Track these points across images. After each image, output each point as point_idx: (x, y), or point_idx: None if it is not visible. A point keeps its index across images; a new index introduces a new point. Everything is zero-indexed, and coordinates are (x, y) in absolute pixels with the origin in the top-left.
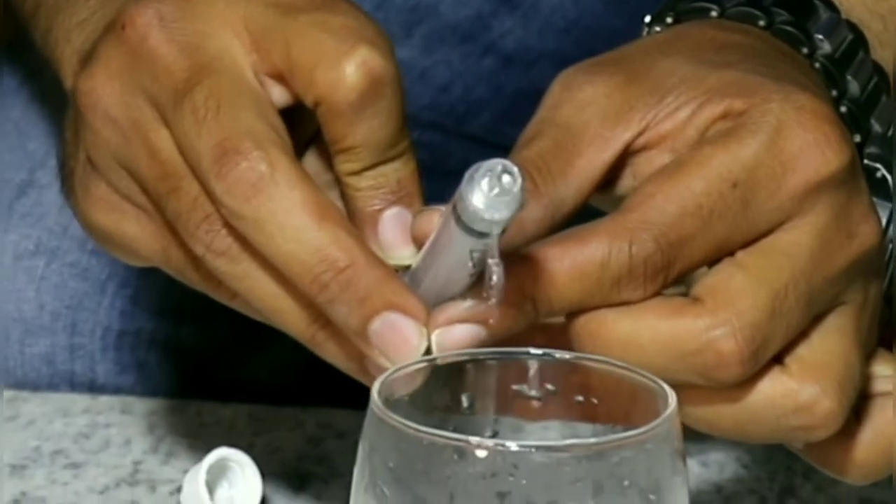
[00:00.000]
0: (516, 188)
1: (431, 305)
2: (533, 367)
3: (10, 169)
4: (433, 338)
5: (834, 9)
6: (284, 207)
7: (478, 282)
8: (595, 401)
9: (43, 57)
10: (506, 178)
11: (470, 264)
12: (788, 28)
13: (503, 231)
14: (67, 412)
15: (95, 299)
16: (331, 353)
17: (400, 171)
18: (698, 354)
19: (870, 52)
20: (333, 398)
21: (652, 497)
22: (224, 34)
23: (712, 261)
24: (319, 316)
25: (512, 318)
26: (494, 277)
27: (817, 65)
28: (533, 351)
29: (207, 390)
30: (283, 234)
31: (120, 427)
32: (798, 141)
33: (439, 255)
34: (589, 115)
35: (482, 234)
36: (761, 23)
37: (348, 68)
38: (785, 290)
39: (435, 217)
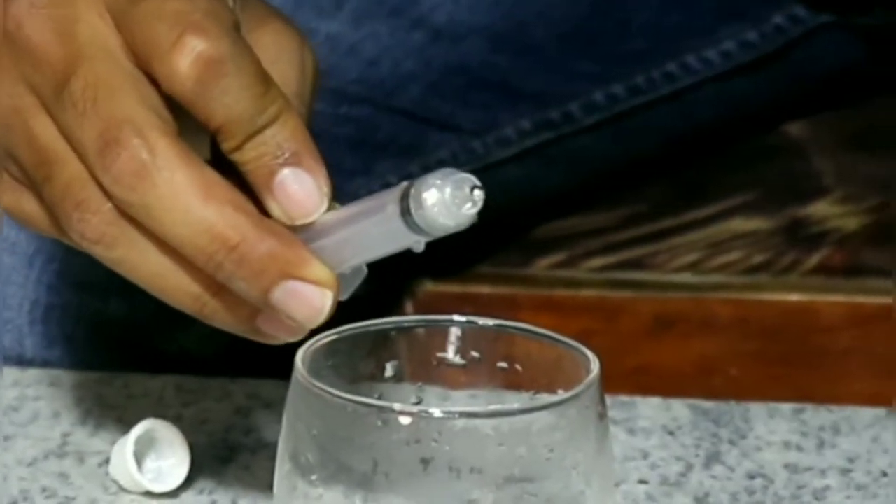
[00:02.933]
0: (476, 209)
1: (339, 258)
2: (457, 334)
3: None
4: None
5: None
6: (169, 192)
7: None
8: (519, 367)
9: None
10: (469, 194)
11: (397, 248)
12: None
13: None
14: None
15: (23, 273)
16: (221, 322)
17: (278, 135)
18: None
19: None
20: (262, 369)
21: (576, 463)
22: (91, 17)
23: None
24: (206, 289)
25: None
26: (418, 251)
27: None
28: (457, 318)
29: (136, 363)
30: (171, 218)
31: (48, 400)
32: None
33: (363, 230)
34: None
35: (421, 231)
36: None
37: (177, 60)
38: None
39: None
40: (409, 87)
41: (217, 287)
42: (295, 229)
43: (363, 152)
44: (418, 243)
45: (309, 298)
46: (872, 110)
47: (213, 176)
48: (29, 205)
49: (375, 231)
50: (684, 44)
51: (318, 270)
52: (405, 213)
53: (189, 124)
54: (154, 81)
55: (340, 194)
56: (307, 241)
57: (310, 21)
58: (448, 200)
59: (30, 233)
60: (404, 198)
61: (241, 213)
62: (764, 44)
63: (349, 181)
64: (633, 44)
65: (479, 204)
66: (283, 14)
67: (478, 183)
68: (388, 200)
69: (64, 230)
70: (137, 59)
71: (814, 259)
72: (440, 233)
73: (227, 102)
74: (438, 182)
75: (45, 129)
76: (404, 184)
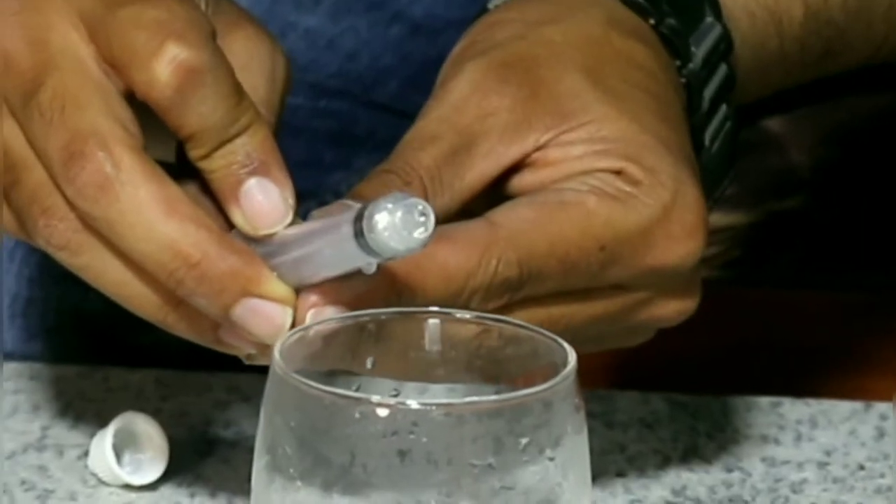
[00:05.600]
0: (427, 234)
1: (298, 274)
2: (434, 326)
3: None
4: (308, 316)
5: (718, 14)
6: (132, 206)
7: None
8: (496, 360)
9: None
10: (420, 219)
11: (350, 268)
12: (670, 36)
13: None
14: None
15: (3, 266)
16: (184, 331)
17: (248, 144)
18: None
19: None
20: (241, 363)
21: (552, 455)
22: (63, 26)
23: (551, 300)
24: (168, 300)
25: (378, 305)
26: (369, 273)
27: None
28: (434, 310)
29: (115, 356)
30: (133, 233)
31: (28, 393)
32: (671, 231)
33: (320, 249)
34: (489, 125)
35: (373, 253)
36: (651, 21)
37: (158, 68)
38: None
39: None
40: (388, 81)
41: (179, 298)
42: (254, 244)
43: (342, 146)
44: (370, 265)
45: (269, 315)
46: (851, 105)
47: (176, 192)
48: None
49: (330, 251)
50: None
51: (278, 288)
52: (358, 234)
53: (154, 128)
54: (124, 92)
55: (321, 188)
56: (265, 258)
57: (288, 15)
58: (399, 225)
59: None
60: (358, 219)
61: (203, 229)
62: None
63: (329, 175)
64: None
65: (431, 229)
66: (255, 19)
67: (429, 210)
68: (344, 221)
69: (30, 234)
70: (114, 67)
71: (792, 253)
72: (391, 256)
73: (203, 112)
74: (390, 206)
75: (12, 135)
76: (359, 205)
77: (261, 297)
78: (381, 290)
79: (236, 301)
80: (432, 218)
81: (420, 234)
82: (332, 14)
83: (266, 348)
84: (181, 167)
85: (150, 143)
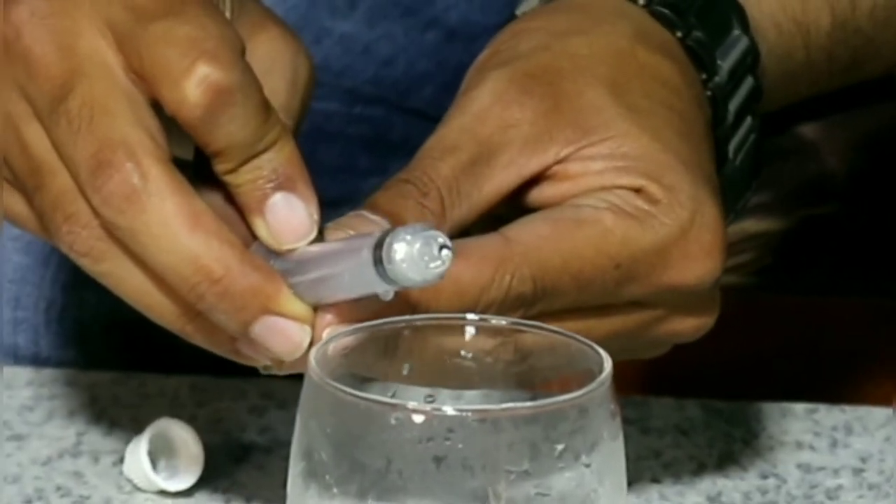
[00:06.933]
0: (444, 266)
1: (315, 294)
2: (470, 332)
3: None
4: (324, 334)
5: (746, 27)
6: (157, 219)
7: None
8: (531, 366)
9: None
10: (437, 252)
11: (368, 292)
12: (697, 49)
13: None
14: (11, 384)
15: (39, 273)
16: (202, 341)
17: (274, 160)
18: None
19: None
20: None
21: (588, 461)
22: (91, 32)
23: (567, 315)
24: (187, 311)
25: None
26: (387, 299)
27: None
28: (470, 317)
29: (150, 362)
30: (157, 245)
31: (63, 399)
32: (689, 251)
33: (339, 272)
34: (510, 137)
35: (391, 282)
36: (678, 33)
37: (188, 88)
38: None
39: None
40: (424, 87)
41: (198, 310)
42: (274, 260)
43: (378, 152)
44: (387, 293)
45: (288, 333)
46: (885, 111)
47: (201, 206)
48: (19, 206)
49: (349, 275)
50: None
51: (297, 306)
52: (377, 262)
53: (174, 125)
54: (150, 101)
55: (356, 194)
56: (284, 276)
57: (324, 21)
58: (416, 256)
59: None
60: (378, 247)
61: (227, 245)
62: None
63: (364, 181)
64: None
65: (447, 263)
66: (280, 19)
67: (448, 243)
68: (364, 246)
69: (52, 238)
70: (142, 81)
71: (827, 260)
72: (408, 285)
73: (231, 130)
74: (409, 237)
75: (37, 139)
76: (379, 232)
77: (280, 314)
78: (395, 306)
79: (256, 318)
80: (450, 252)
81: (437, 266)
82: (367, 20)
83: (283, 362)
84: (200, 165)
85: (170, 140)
